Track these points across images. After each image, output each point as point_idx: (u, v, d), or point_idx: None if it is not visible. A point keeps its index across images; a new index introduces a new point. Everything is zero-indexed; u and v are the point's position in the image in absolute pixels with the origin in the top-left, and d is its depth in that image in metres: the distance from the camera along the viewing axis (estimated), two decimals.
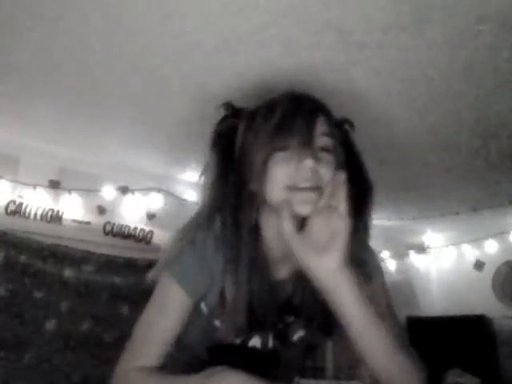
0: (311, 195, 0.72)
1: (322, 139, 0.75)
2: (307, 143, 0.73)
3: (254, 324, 0.78)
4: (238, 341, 0.85)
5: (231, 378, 0.65)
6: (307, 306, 0.82)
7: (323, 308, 0.76)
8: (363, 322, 0.68)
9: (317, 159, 0.72)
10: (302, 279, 0.79)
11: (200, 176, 0.85)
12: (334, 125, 0.81)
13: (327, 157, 0.75)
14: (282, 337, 0.85)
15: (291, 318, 0.84)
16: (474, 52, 1.56)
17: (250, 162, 0.76)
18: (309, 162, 0.70)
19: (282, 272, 0.83)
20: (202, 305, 0.86)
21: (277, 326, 0.85)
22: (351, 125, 0.87)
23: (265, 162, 0.73)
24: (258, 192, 0.76)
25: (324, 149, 0.76)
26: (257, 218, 0.78)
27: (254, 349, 0.85)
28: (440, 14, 1.37)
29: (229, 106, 0.86)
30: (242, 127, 0.80)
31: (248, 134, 0.80)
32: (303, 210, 0.71)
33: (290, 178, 0.73)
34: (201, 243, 0.80)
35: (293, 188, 0.72)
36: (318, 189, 0.72)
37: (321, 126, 0.76)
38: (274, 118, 0.75)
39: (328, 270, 0.67)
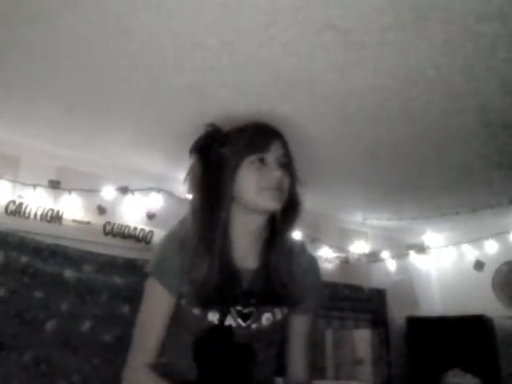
0: (278, 193, 0.94)
1: (282, 159, 0.98)
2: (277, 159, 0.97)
3: (213, 299, 0.92)
4: (196, 311, 0.94)
5: None
6: (266, 293, 0.97)
7: (280, 293, 0.96)
8: None
9: (282, 171, 0.96)
10: (262, 269, 0.98)
11: (184, 181, 1.02)
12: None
13: (286, 171, 0.98)
14: (247, 318, 0.97)
15: (253, 301, 0.96)
16: (474, 52, 1.56)
17: (228, 171, 0.97)
18: (278, 173, 0.94)
19: (247, 263, 0.99)
20: (183, 301, 0.97)
21: (238, 308, 0.96)
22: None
23: (241, 171, 0.96)
24: (235, 194, 0.95)
25: (284, 165, 0.98)
26: (229, 216, 0.96)
27: (231, 343, 0.93)
28: (440, 14, 1.38)
29: (210, 125, 1.05)
30: (216, 144, 0.99)
31: (224, 149, 0.99)
32: (272, 204, 0.94)
33: (260, 182, 0.94)
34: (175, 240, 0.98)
35: (264, 188, 0.94)
36: (282, 191, 0.95)
37: (281, 148, 0.99)
38: (247, 138, 0.98)
39: None
